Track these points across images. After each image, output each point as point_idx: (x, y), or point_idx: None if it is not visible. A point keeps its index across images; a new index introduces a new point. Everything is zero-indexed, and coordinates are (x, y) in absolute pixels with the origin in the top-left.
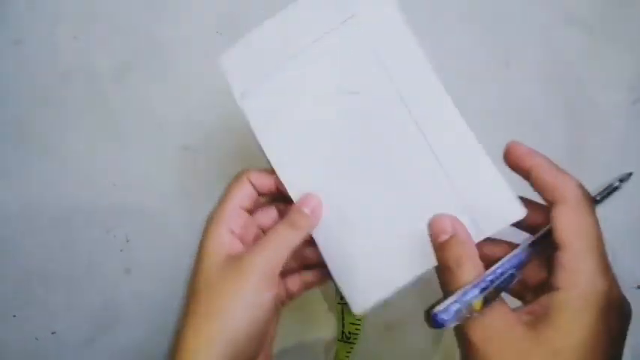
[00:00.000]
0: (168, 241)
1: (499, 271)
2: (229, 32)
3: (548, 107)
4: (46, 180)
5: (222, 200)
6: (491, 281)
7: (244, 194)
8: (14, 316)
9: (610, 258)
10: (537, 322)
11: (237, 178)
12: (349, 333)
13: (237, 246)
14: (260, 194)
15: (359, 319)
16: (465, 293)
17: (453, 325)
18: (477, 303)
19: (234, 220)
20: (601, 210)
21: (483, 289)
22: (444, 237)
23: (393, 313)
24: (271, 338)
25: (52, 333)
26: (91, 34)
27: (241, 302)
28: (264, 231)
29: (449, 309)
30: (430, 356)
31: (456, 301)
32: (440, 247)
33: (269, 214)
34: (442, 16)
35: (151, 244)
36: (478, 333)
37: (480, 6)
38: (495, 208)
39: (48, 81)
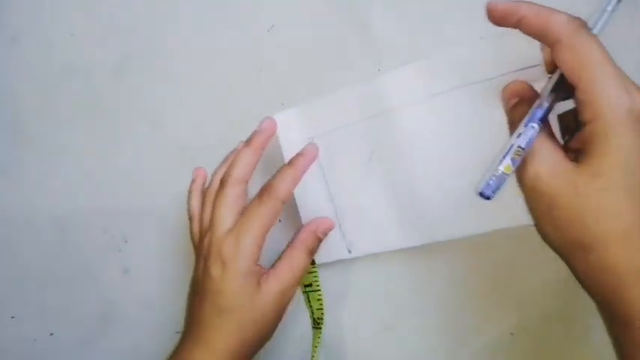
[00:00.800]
0: (167, 241)
1: (519, 132)
2: (227, 29)
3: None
4: (43, 180)
5: (255, 236)
6: (512, 146)
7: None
8: (12, 317)
9: None
10: (579, 157)
11: (269, 204)
12: (318, 318)
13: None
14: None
15: (321, 304)
16: (496, 165)
17: (498, 192)
18: (507, 167)
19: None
20: None
21: (508, 154)
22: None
23: (392, 313)
24: None
25: (51, 334)
26: (89, 32)
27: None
28: None
29: (488, 183)
30: (430, 357)
31: (492, 175)
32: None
33: None
34: (442, 17)
35: (149, 245)
36: (530, 174)
37: (481, 7)
38: None
39: (45, 79)
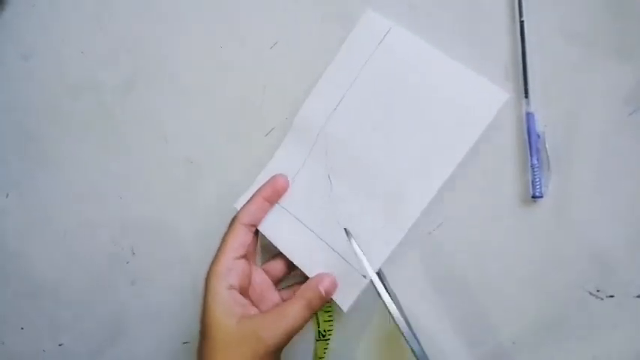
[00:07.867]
0: (174, 253)
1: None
2: (232, 46)
3: (546, 120)
4: (52, 193)
5: (218, 254)
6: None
7: (238, 244)
8: (22, 328)
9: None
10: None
11: (230, 226)
12: (324, 331)
13: (239, 304)
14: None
15: (331, 316)
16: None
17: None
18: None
19: (232, 276)
20: (605, 221)
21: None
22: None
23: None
24: None
25: (60, 345)
26: (98, 49)
27: None
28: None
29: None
30: None
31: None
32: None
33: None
34: (439, 31)
35: (156, 256)
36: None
37: (477, 20)
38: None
39: (56, 95)
